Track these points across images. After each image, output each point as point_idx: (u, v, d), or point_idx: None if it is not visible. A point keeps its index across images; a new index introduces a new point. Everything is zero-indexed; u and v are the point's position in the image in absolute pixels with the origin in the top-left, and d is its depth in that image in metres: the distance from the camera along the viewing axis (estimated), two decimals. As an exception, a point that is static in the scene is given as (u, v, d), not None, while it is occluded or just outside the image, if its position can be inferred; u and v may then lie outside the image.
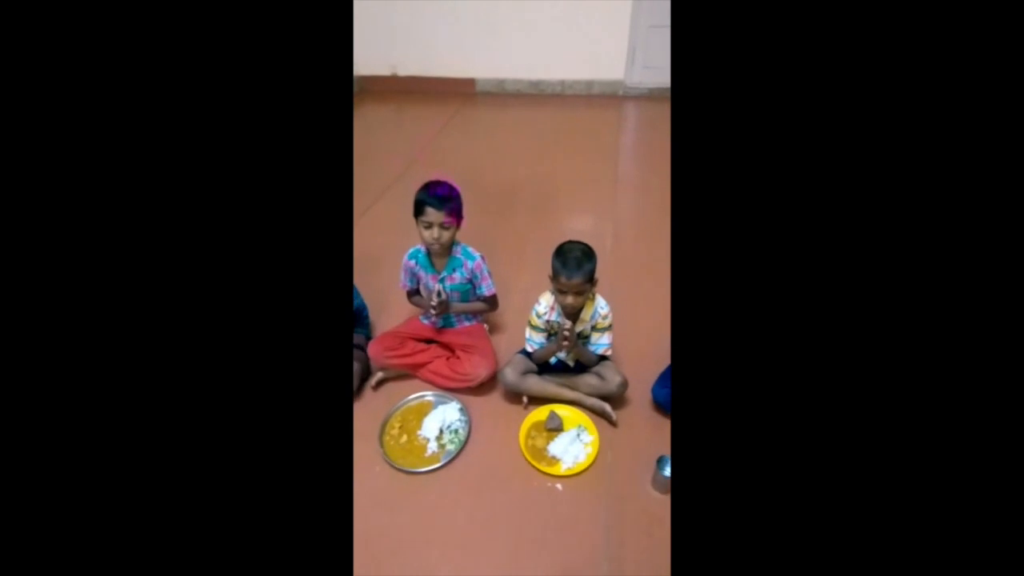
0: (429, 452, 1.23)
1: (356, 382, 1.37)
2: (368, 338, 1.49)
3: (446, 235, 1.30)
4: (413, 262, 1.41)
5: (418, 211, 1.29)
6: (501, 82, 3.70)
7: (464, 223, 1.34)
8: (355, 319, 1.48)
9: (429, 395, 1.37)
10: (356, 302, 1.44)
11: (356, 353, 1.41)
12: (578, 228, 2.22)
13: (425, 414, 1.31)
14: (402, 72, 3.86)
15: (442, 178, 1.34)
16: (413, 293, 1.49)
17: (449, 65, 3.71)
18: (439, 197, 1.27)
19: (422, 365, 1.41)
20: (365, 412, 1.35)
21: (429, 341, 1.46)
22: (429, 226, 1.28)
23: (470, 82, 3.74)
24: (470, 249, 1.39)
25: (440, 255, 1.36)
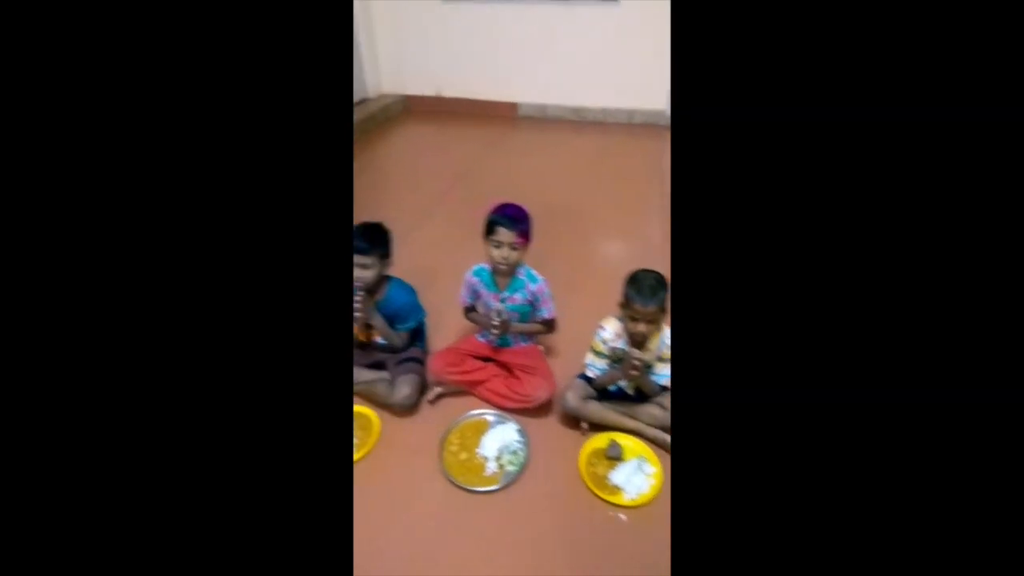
0: (489, 471, 1.22)
1: (415, 396, 1.38)
2: (425, 352, 1.51)
3: (514, 255, 1.32)
4: (477, 279, 1.43)
5: (489, 231, 1.31)
6: (543, 107, 3.79)
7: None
8: (415, 334, 1.50)
9: (487, 414, 1.37)
10: (419, 317, 1.46)
11: (414, 366, 1.42)
12: (620, 255, 2.24)
13: (483, 432, 1.31)
14: (446, 93, 3.98)
15: (501, 200, 1.37)
16: (470, 310, 1.51)
17: (492, 89, 3.83)
18: (511, 218, 1.30)
19: (480, 383, 1.41)
20: (422, 426, 1.36)
21: (487, 359, 1.46)
22: (499, 246, 1.31)
23: (512, 106, 3.84)
24: (534, 272, 1.40)
25: (505, 275, 1.38)
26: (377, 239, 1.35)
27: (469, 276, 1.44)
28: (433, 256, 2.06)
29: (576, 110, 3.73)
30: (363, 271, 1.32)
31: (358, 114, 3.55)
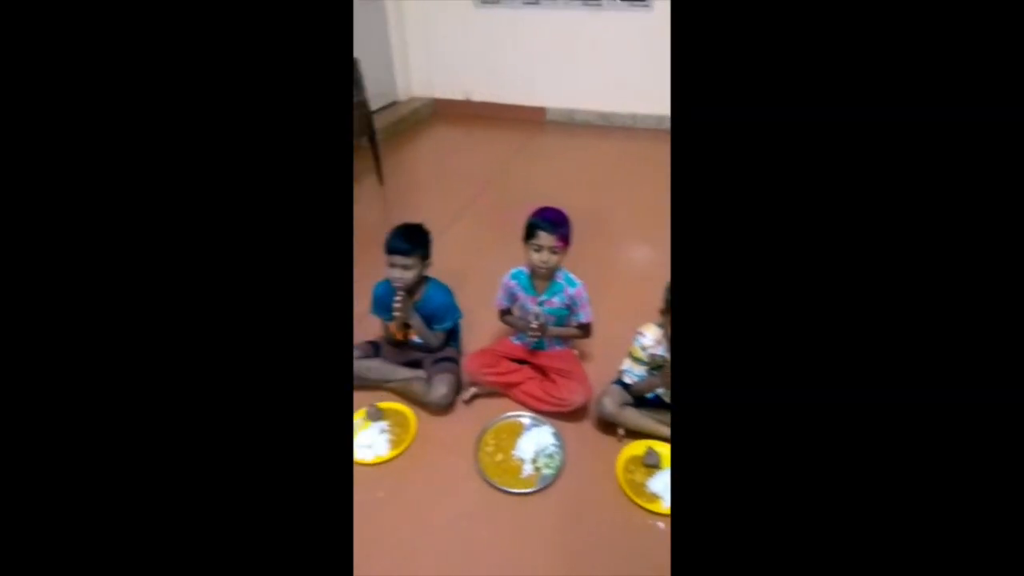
0: (525, 474, 1.22)
1: (451, 395, 1.39)
2: (459, 352, 1.52)
3: (554, 259, 1.33)
4: (514, 282, 1.44)
5: (529, 234, 1.32)
6: (571, 112, 3.80)
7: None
8: (450, 335, 1.51)
9: (521, 416, 1.38)
10: (455, 318, 1.48)
11: (450, 366, 1.44)
12: (647, 260, 2.22)
13: (518, 434, 1.32)
14: (475, 97, 4.02)
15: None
16: (506, 312, 1.52)
17: (521, 93, 3.85)
18: (552, 222, 1.31)
19: (515, 385, 1.42)
20: (458, 425, 1.37)
21: (522, 362, 1.47)
22: (539, 249, 1.31)
23: (540, 111, 3.86)
24: (572, 276, 1.41)
25: (544, 278, 1.39)
26: (418, 240, 1.37)
27: (507, 279, 1.45)
28: (462, 258, 2.08)
29: (604, 115, 3.73)
30: (404, 272, 1.34)
31: (388, 117, 3.61)
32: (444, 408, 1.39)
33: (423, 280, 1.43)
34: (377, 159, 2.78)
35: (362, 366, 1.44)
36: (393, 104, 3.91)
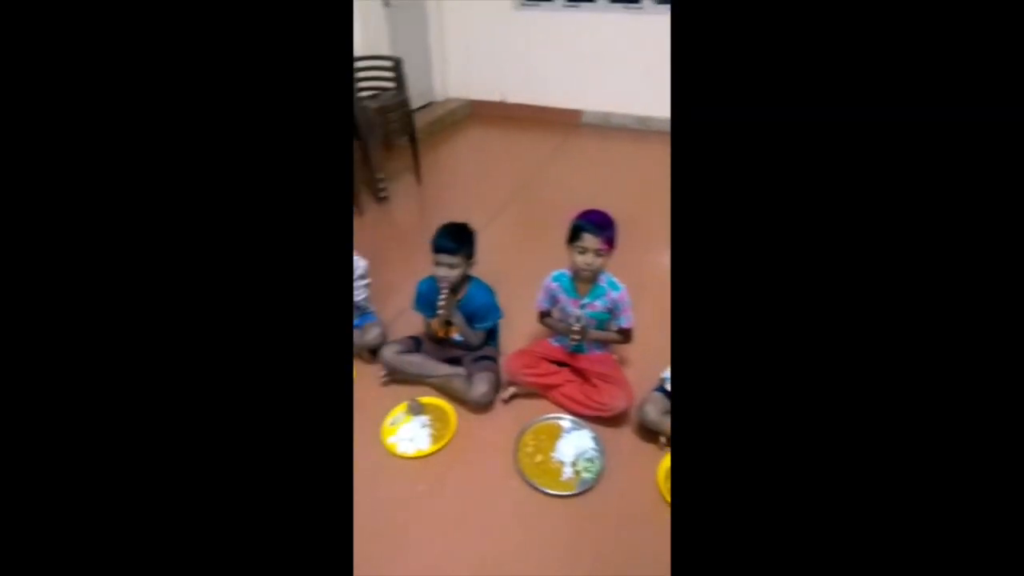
0: (564, 476, 1.22)
1: (491, 394, 1.40)
2: (497, 351, 1.53)
3: (598, 262, 1.32)
4: (556, 284, 1.44)
5: (574, 236, 1.32)
6: (607, 116, 3.77)
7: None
8: (489, 334, 1.53)
9: (561, 418, 1.38)
10: (496, 317, 1.49)
11: (490, 364, 1.45)
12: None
13: (557, 437, 1.32)
14: (511, 99, 4.04)
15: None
16: (545, 315, 1.52)
17: (557, 96, 3.85)
18: (597, 224, 1.30)
19: (554, 387, 1.42)
20: (497, 424, 1.38)
21: (561, 364, 1.47)
22: (584, 252, 1.31)
23: (576, 113, 3.85)
24: (616, 280, 1.40)
25: (587, 281, 1.39)
26: (464, 239, 1.39)
27: (548, 281, 1.45)
28: (498, 259, 2.09)
29: (641, 119, 3.69)
30: (449, 270, 1.36)
31: (425, 117, 3.67)
32: (484, 406, 1.40)
33: (466, 279, 1.45)
34: (416, 158, 2.83)
35: (403, 360, 1.47)
36: (430, 104, 3.96)
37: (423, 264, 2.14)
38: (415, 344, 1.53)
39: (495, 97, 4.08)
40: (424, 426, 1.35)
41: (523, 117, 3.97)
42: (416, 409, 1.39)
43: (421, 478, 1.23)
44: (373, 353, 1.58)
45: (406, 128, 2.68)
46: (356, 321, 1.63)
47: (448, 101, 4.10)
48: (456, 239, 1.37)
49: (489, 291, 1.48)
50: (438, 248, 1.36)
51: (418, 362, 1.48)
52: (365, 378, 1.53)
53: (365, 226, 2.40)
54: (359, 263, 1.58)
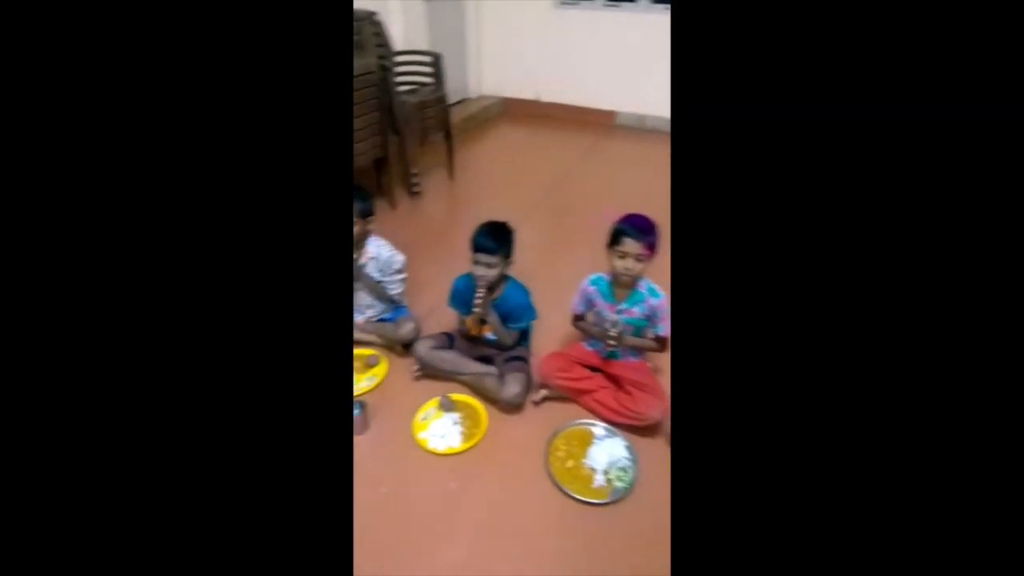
0: (596, 484, 1.21)
1: (523, 395, 1.39)
2: (528, 352, 1.52)
3: (638, 267, 1.30)
4: (594, 288, 1.42)
5: (614, 240, 1.30)
6: (642, 118, 3.71)
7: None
8: (522, 334, 1.52)
9: (593, 424, 1.36)
10: (531, 318, 1.48)
11: (522, 365, 1.44)
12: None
13: (588, 443, 1.30)
14: (545, 98, 4.02)
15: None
16: (579, 318, 1.51)
17: (592, 96, 3.81)
18: (639, 229, 1.28)
19: (587, 392, 1.41)
20: (527, 426, 1.37)
21: (595, 369, 1.45)
22: (624, 256, 1.29)
23: (611, 115, 3.80)
24: (656, 287, 1.37)
25: (625, 286, 1.37)
26: (503, 239, 1.38)
27: (586, 285, 1.44)
28: (527, 259, 2.06)
29: (676, 122, 3.62)
30: (487, 269, 1.36)
31: (459, 113, 3.67)
32: (515, 407, 1.39)
33: (503, 278, 1.44)
34: (450, 154, 2.83)
35: (436, 356, 1.48)
36: (463, 101, 3.97)
37: (454, 260, 2.15)
38: (448, 341, 1.53)
39: (529, 95, 4.06)
40: (455, 423, 1.35)
41: (556, 116, 3.94)
42: (448, 406, 1.39)
43: (452, 475, 1.23)
44: (406, 347, 1.59)
45: (442, 124, 2.69)
46: (390, 315, 1.65)
47: (481, 98, 4.10)
48: (496, 239, 1.36)
49: (525, 291, 1.48)
50: (477, 247, 1.36)
51: (451, 359, 1.48)
52: (398, 371, 1.55)
53: (398, 220, 2.42)
54: (397, 257, 1.59)
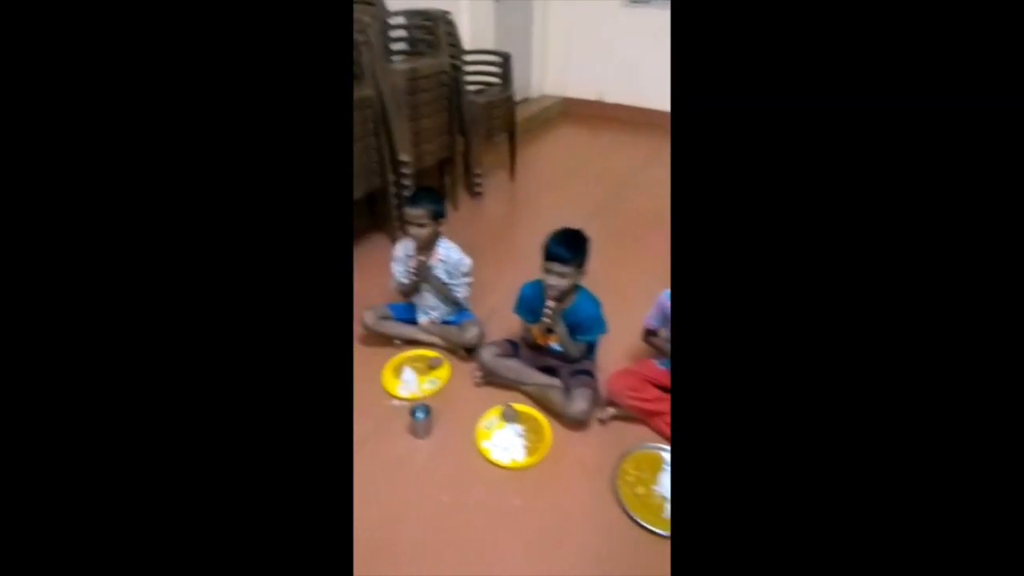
0: (667, 514, 1.13)
1: (591, 411, 1.34)
2: (594, 366, 1.46)
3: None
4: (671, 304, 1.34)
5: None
6: (712, 121, 3.53)
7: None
8: (589, 347, 1.46)
9: (664, 449, 1.28)
10: (601, 331, 1.42)
11: (589, 380, 1.38)
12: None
13: (659, 469, 1.22)
14: (608, 99, 3.91)
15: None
16: (651, 334, 1.43)
17: (657, 98, 3.66)
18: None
19: (658, 414, 1.33)
20: (593, 444, 1.31)
21: (666, 389, 1.37)
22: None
23: (677, 117, 3.64)
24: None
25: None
26: (578, 248, 1.33)
27: (663, 299, 1.36)
28: (590, 267, 2.02)
29: (750, 126, 3.41)
30: (560, 279, 1.31)
31: (520, 113, 3.63)
32: (581, 423, 1.34)
33: (574, 288, 1.39)
34: (513, 155, 2.81)
35: (500, 364, 1.45)
36: (525, 100, 3.94)
37: (515, 261, 2.12)
38: (512, 348, 1.49)
39: (591, 96, 3.97)
40: (519, 435, 1.31)
41: (619, 118, 3.82)
42: (511, 416, 1.35)
43: (515, 491, 1.20)
44: (469, 352, 1.57)
45: (507, 124, 2.67)
46: (454, 318, 1.64)
47: (543, 97, 4.05)
48: (571, 247, 1.31)
49: (596, 303, 1.41)
50: (551, 255, 1.31)
51: (515, 367, 1.45)
52: (460, 376, 1.53)
53: (460, 221, 2.41)
54: (465, 260, 1.57)
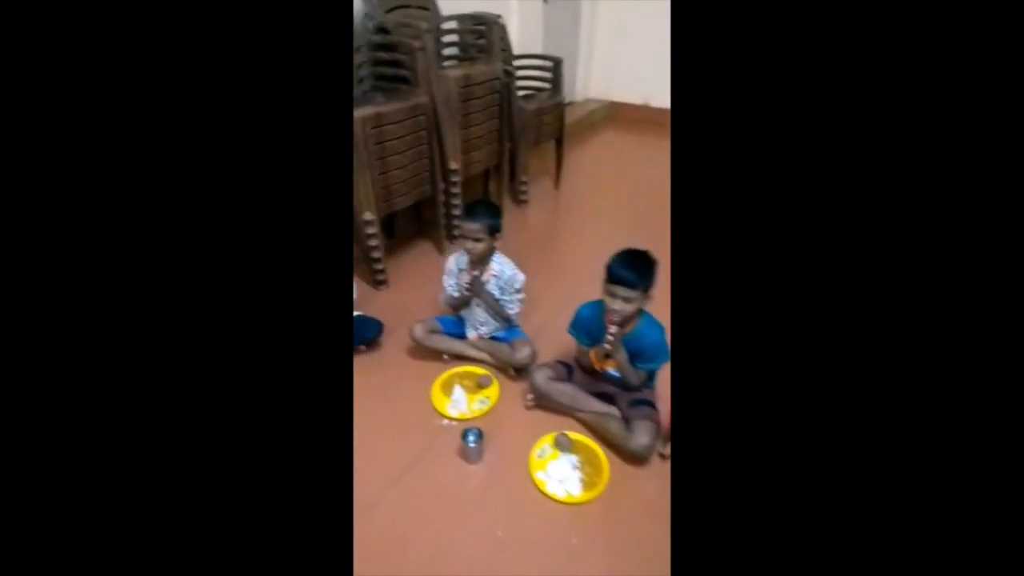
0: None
1: (653, 446, 1.25)
2: (654, 395, 1.38)
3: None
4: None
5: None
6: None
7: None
8: (649, 375, 1.37)
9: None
10: (664, 359, 1.33)
11: (651, 412, 1.30)
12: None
13: (729, 515, 1.13)
14: (654, 103, 3.79)
15: None
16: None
17: (709, 102, 3.51)
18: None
19: (727, 453, 1.23)
20: (655, 482, 1.22)
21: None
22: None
23: (730, 123, 3.48)
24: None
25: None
26: (645, 270, 1.24)
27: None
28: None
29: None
30: (625, 304, 1.23)
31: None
32: (642, 459, 1.26)
33: (638, 313, 1.30)
34: (559, 162, 2.74)
35: (554, 388, 1.38)
36: (569, 104, 3.85)
37: (561, 273, 2.03)
38: (566, 372, 1.43)
39: (637, 100, 3.85)
40: (574, 467, 1.24)
41: (664, 122, 3.69)
42: (565, 445, 1.29)
43: (573, 528, 1.13)
44: (518, 371, 1.51)
45: (556, 131, 2.60)
46: (503, 334, 1.58)
47: (588, 101, 3.96)
48: (637, 270, 1.22)
49: (660, 329, 1.33)
50: (615, 278, 1.23)
51: (570, 393, 1.37)
52: (509, 396, 1.47)
53: (505, 231, 2.36)
54: (519, 276, 1.51)
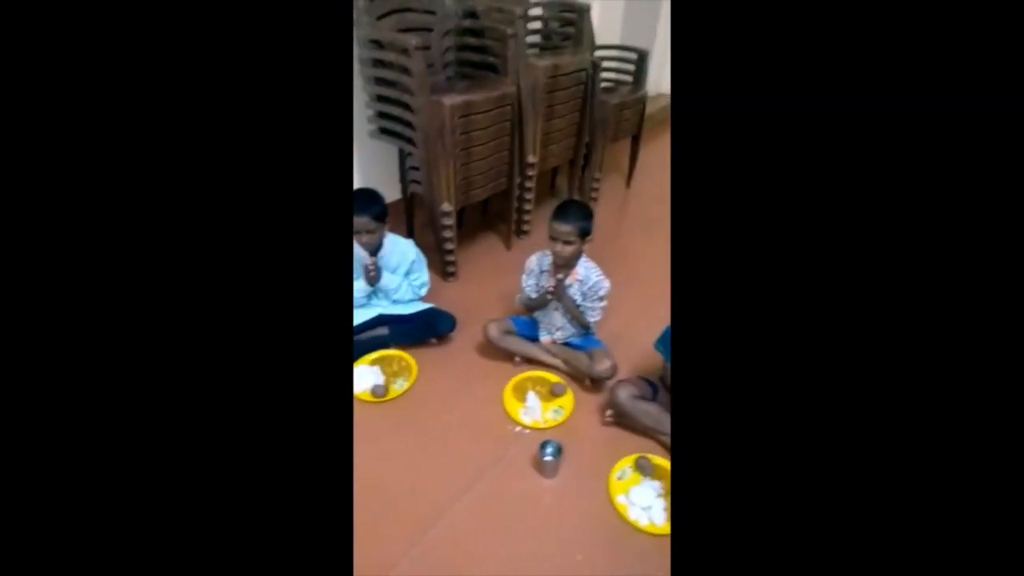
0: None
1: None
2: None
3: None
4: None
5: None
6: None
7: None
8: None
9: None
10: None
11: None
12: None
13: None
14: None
15: None
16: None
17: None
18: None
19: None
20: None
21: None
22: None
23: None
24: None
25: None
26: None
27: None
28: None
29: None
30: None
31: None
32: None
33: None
34: (633, 160, 2.61)
35: (637, 408, 1.30)
36: (640, 99, 3.69)
37: (636, 282, 1.92)
38: (651, 390, 1.34)
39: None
40: (659, 495, 1.16)
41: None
42: (647, 470, 1.21)
43: (657, 562, 1.05)
44: (594, 382, 1.44)
45: (635, 127, 2.48)
46: (578, 341, 1.51)
47: (659, 96, 3.77)
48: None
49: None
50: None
51: (654, 414, 1.29)
52: (584, 408, 1.40)
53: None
54: (604, 283, 1.43)
